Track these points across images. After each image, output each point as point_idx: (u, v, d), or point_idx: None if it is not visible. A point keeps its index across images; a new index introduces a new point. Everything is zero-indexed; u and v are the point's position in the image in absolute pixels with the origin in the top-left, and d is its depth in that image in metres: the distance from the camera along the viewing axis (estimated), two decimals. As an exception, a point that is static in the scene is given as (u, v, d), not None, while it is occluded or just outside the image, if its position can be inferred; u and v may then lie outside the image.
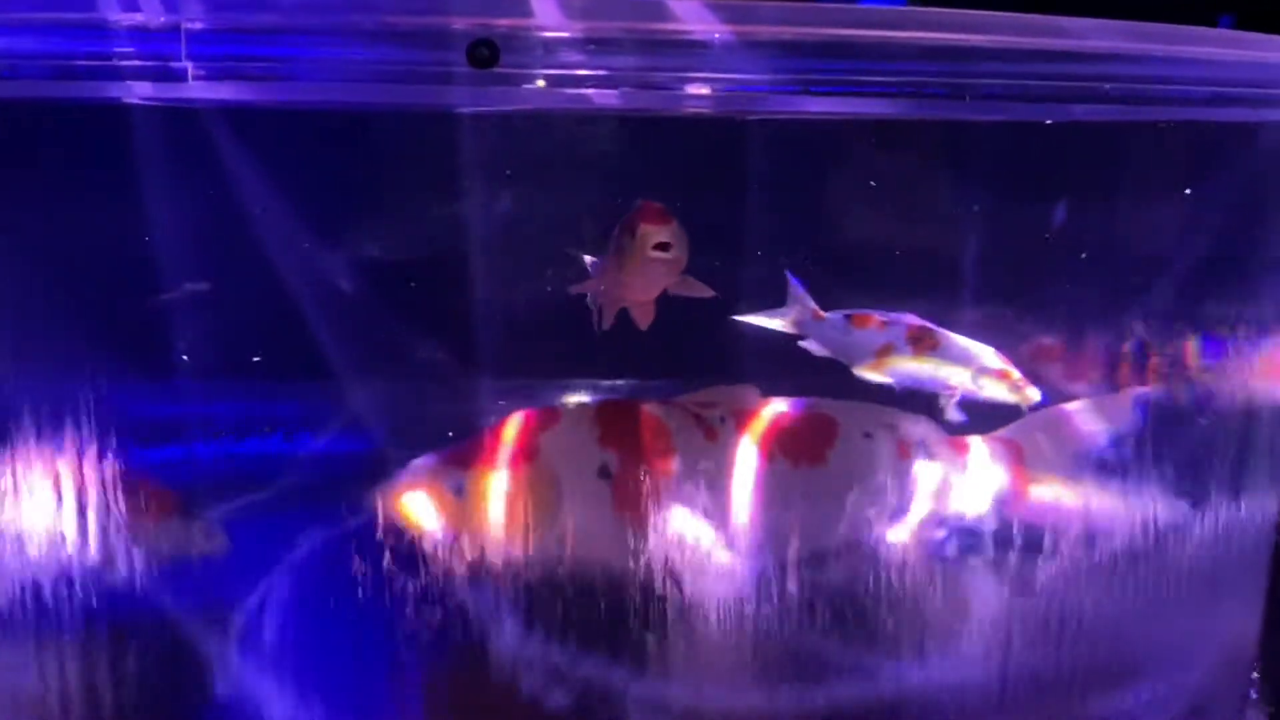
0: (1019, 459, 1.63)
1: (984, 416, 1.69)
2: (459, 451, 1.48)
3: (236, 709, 1.34)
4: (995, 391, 1.67)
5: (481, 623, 1.36)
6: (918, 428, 1.61)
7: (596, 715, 1.31)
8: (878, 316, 1.79)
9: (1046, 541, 1.50)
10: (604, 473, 1.45)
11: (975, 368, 1.70)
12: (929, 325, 1.76)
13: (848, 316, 1.81)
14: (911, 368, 1.73)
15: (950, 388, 1.70)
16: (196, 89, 1.31)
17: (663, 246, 1.48)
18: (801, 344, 1.81)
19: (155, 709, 1.34)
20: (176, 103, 1.58)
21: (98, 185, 1.76)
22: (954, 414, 1.68)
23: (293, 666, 1.37)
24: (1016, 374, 1.70)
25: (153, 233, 1.74)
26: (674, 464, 1.46)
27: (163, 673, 1.36)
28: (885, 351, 1.75)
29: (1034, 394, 1.68)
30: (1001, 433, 1.67)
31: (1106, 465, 1.57)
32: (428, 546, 1.37)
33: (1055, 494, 1.59)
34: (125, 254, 1.79)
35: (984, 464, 1.62)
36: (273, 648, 1.41)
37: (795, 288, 1.81)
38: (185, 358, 1.82)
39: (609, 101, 1.42)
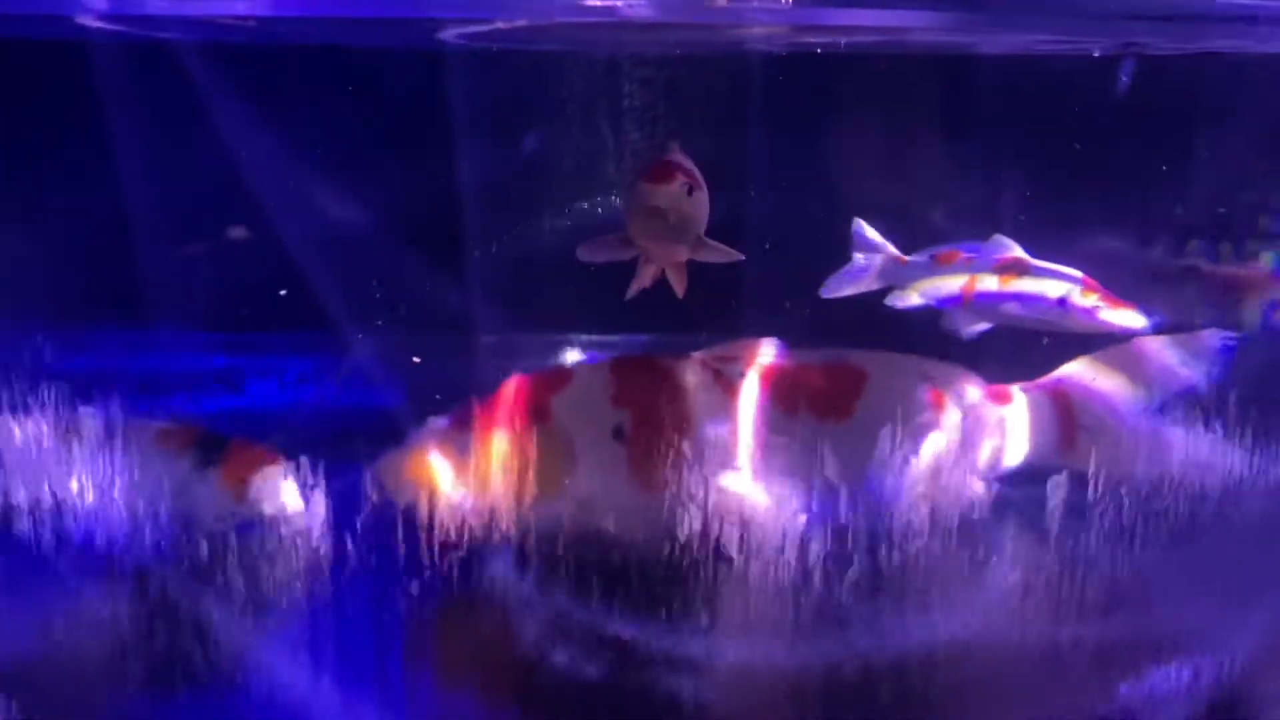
0: (1067, 408, 1.53)
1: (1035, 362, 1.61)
2: (470, 414, 1.40)
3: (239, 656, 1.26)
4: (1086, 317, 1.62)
5: (491, 584, 1.32)
6: (955, 378, 1.51)
7: (604, 669, 1.24)
8: (963, 252, 1.73)
9: (1093, 496, 1.40)
10: (618, 433, 1.38)
11: (1064, 293, 1.63)
12: (1016, 255, 1.69)
13: (933, 256, 1.75)
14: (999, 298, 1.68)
15: (1040, 315, 1.65)
16: (158, 5, 1.22)
17: (657, 209, 1.39)
18: (888, 301, 1.75)
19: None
20: (142, 26, 1.51)
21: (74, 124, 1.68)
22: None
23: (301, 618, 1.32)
24: (1108, 298, 1.63)
25: (135, 183, 1.66)
26: (691, 422, 1.38)
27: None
28: (971, 285, 1.70)
29: (1132, 318, 1.61)
30: (1049, 380, 1.57)
31: (1173, 411, 1.48)
32: (437, 509, 1.32)
33: (1107, 445, 1.49)
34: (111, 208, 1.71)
35: (1028, 414, 1.52)
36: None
37: (871, 238, 1.76)
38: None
39: (634, 13, 1.35)
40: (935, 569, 1.36)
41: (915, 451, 1.45)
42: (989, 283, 1.69)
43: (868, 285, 1.77)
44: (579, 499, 1.35)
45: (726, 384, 1.43)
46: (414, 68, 1.76)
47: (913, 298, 1.75)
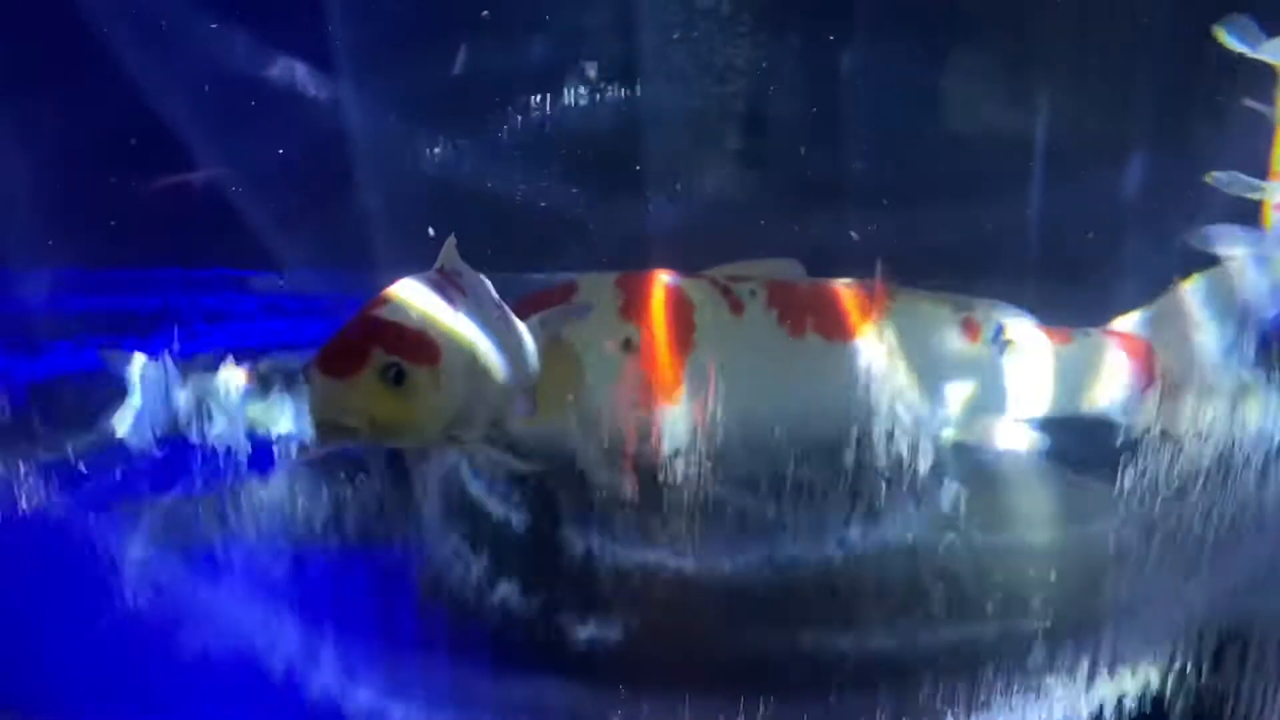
0: (1145, 359, 1.40)
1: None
2: None
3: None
4: None
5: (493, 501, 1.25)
6: (998, 312, 1.40)
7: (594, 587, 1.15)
8: None
9: (1155, 461, 1.25)
10: (627, 346, 1.29)
11: None
12: None
13: None
14: None
15: None
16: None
17: (331, 425, 1.00)
18: None
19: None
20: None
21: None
22: None
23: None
24: None
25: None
26: (694, 338, 1.31)
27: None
28: None
29: None
30: (1125, 324, 1.43)
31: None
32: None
33: (1187, 407, 1.34)
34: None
35: (1089, 360, 1.39)
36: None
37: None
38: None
39: None
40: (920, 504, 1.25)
41: (937, 383, 1.35)
42: None
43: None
44: (585, 413, 1.26)
45: (734, 301, 1.35)
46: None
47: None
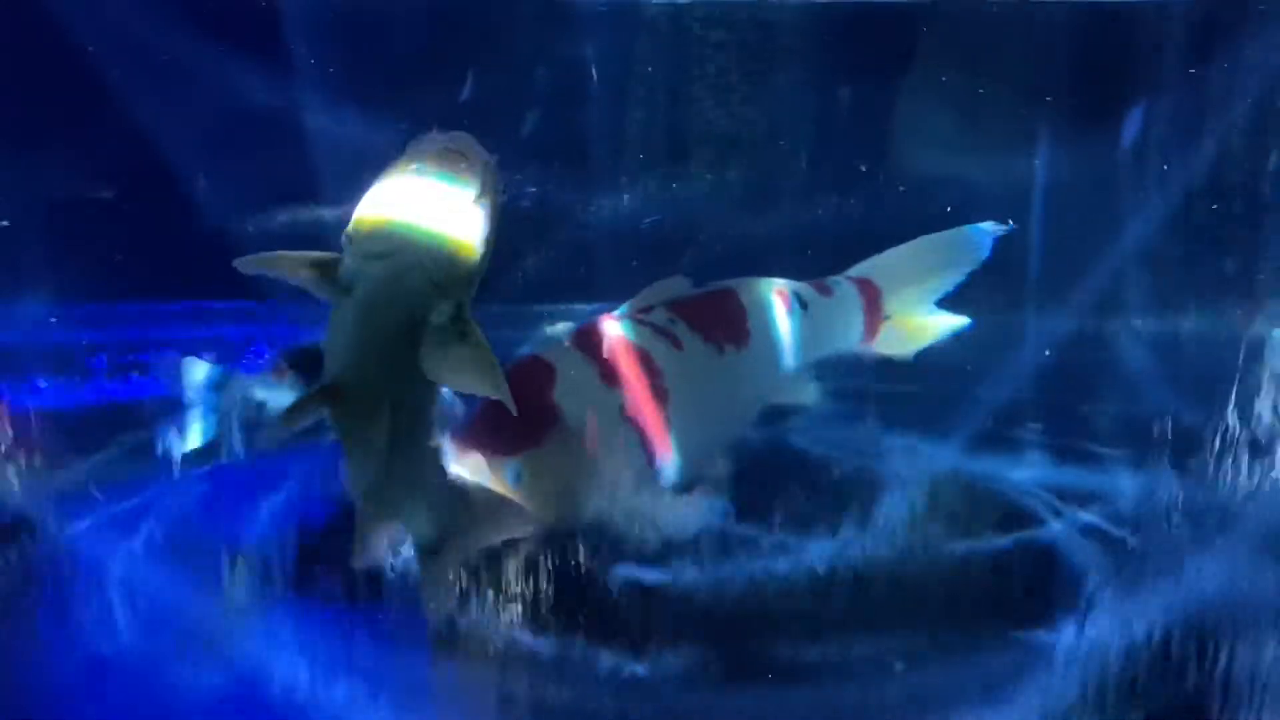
0: (875, 298, 1.73)
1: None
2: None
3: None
4: None
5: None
6: (786, 282, 1.70)
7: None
8: None
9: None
10: (620, 413, 1.42)
11: None
12: None
13: None
14: None
15: None
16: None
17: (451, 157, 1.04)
18: None
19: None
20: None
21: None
22: None
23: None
24: None
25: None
26: (665, 384, 1.48)
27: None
28: None
29: None
30: (856, 271, 1.77)
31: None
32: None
33: (902, 335, 1.71)
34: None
35: (841, 307, 1.75)
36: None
37: None
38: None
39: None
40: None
41: (784, 357, 1.63)
42: None
43: None
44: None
45: (673, 339, 1.50)
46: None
47: None
